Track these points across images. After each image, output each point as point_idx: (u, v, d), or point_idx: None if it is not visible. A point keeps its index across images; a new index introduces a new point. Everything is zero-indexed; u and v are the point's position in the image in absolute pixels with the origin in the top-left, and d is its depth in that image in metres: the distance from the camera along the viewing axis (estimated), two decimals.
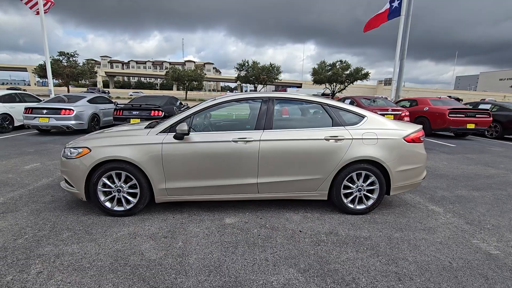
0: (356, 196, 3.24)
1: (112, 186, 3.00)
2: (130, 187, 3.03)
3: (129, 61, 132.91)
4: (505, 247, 2.62)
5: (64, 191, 3.70)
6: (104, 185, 3.00)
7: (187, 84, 47.62)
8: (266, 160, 3.05)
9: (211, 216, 3.12)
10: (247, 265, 2.23)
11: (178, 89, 71.66)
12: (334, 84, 46.82)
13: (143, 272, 2.12)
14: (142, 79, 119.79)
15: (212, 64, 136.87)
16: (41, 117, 7.98)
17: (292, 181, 3.12)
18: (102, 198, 3.01)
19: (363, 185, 3.21)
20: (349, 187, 3.21)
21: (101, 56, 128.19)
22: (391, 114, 9.08)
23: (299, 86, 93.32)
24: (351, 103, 10.28)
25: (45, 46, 12.35)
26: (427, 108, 10.53)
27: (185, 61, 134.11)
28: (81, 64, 42.06)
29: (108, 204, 3.03)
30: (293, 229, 2.86)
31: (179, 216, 3.09)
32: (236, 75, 49.91)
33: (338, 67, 45.01)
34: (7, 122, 8.66)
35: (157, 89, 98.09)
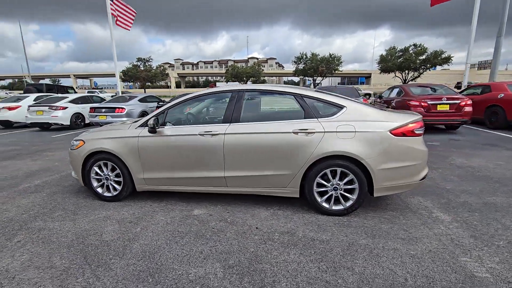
0: (332, 195, 2.94)
1: (102, 174, 3.41)
2: (116, 176, 3.39)
3: (198, 62, 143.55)
4: (502, 271, 2.05)
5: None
6: (96, 173, 3.42)
7: (245, 80, 49.07)
8: (232, 154, 3.02)
9: (183, 207, 3.26)
10: (179, 255, 2.29)
11: None
12: (407, 71, 41.75)
13: (89, 250, 2.38)
14: (209, 78, 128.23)
15: (275, 59, 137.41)
16: (100, 115, 9.39)
17: (260, 176, 3.02)
18: (95, 184, 3.45)
19: (339, 184, 2.90)
20: (323, 185, 2.93)
21: (174, 59, 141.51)
22: (446, 104, 7.76)
23: (367, 76, 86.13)
24: (399, 93, 9.16)
25: (114, 56, 14.36)
26: (502, 95, 8.62)
27: (248, 58, 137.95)
28: (154, 68, 47.25)
29: (99, 190, 3.45)
30: (251, 225, 2.78)
31: (156, 205, 3.32)
32: (294, 69, 49.16)
33: (411, 52, 39.92)
34: (79, 120, 10.45)
35: None
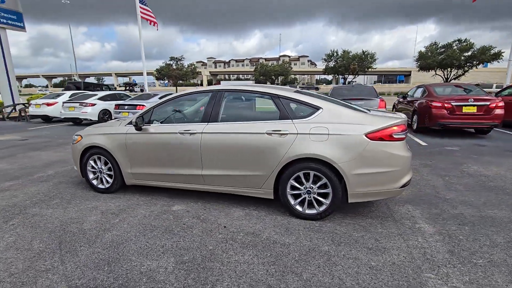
0: (305, 199, 2.88)
1: (96, 167, 3.67)
2: (108, 170, 3.63)
3: (229, 60, 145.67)
4: None
5: None
6: (92, 166, 3.69)
7: (274, 78, 48.92)
8: (208, 153, 3.09)
9: (166, 202, 3.40)
10: (141, 248, 2.41)
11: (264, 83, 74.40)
12: (449, 69, 38.55)
13: (66, 237, 2.60)
14: (240, 76, 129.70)
15: (307, 57, 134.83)
16: (123, 111, 9.99)
17: (235, 176, 3.06)
18: (90, 176, 3.72)
19: (312, 187, 2.83)
20: (297, 188, 2.89)
21: (207, 58, 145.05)
22: (473, 106, 7.11)
23: (407, 74, 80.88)
24: (422, 93, 8.57)
25: (142, 56, 15.17)
26: None
27: (280, 56, 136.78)
28: (186, 67, 48.93)
29: (94, 182, 3.72)
30: (220, 224, 2.83)
31: (143, 199, 3.50)
32: (324, 67, 47.90)
33: (455, 47, 36.78)
34: (106, 116, 11.22)
35: None
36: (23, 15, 15.04)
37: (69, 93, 12.41)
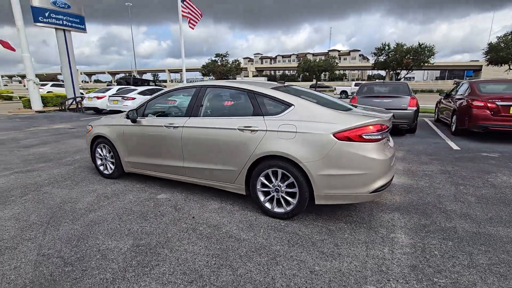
0: (274, 196, 2.86)
1: (102, 155, 4.09)
2: (111, 157, 4.02)
3: (276, 56, 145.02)
4: None
5: None
6: (99, 154, 4.13)
7: (318, 74, 47.43)
8: (188, 146, 3.23)
9: (155, 190, 3.65)
10: (112, 229, 2.66)
11: (309, 80, 72.14)
12: None
13: (58, 214, 2.98)
14: (286, 71, 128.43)
15: (359, 51, 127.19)
16: None
17: (210, 169, 3.15)
18: (98, 162, 4.17)
19: (280, 186, 2.79)
20: (267, 186, 2.87)
21: (254, 54, 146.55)
22: None
23: (477, 69, 71.13)
24: (466, 90, 7.60)
25: (182, 53, 16.05)
26: None
27: (329, 50, 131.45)
28: (230, 63, 50.18)
29: (101, 168, 4.16)
30: (190, 214, 2.96)
31: (137, 186, 3.81)
32: (373, 61, 44.85)
33: None
34: None
35: (297, 81, 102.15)
36: (84, 18, 17.03)
37: (116, 87, 13.76)
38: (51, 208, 3.12)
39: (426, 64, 41.64)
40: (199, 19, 16.82)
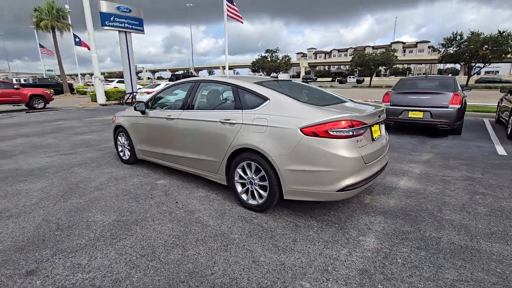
0: (248, 189, 2.94)
1: (121, 143, 4.64)
2: (128, 145, 4.53)
3: (331, 51, 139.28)
4: None
5: None
6: (120, 141, 4.69)
7: (373, 68, 44.23)
8: (181, 136, 3.50)
9: (158, 176, 4.03)
10: (105, 205, 3.07)
11: (365, 75, 67.46)
12: None
13: (73, 189, 3.53)
14: (342, 66, 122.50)
15: (428, 42, 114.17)
16: None
17: (198, 159, 3.37)
18: (119, 149, 4.74)
19: (254, 178, 2.86)
20: (243, 178, 2.97)
21: (307, 49, 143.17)
22: None
23: None
24: None
25: (226, 50, 16.68)
26: None
27: (392, 42, 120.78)
28: (280, 59, 50.02)
29: (121, 154, 4.72)
30: (175, 199, 3.22)
31: (145, 171, 4.24)
32: (441, 54, 39.89)
33: None
34: None
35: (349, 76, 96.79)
36: (143, 21, 18.87)
37: (164, 83, 15.01)
38: (70, 184, 3.70)
39: (508, 56, 35.63)
40: (237, 19, 17.26)
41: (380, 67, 45.43)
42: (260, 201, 2.84)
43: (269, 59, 48.94)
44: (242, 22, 17.24)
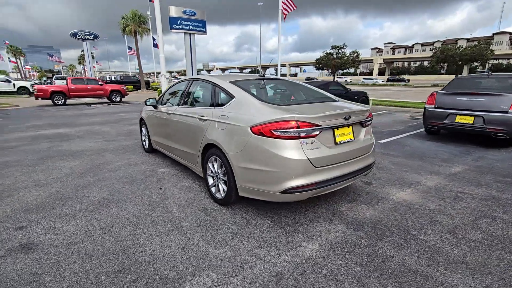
0: (215, 182, 3.10)
1: (143, 133, 5.29)
2: (147, 135, 5.15)
3: (413, 45, 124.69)
4: None
5: None
6: (142, 132, 5.35)
7: (460, 64, 38.04)
8: (174, 130, 3.85)
9: (163, 164, 4.49)
10: (105, 185, 3.63)
11: (452, 73, 58.04)
12: None
13: (94, 169, 4.24)
14: (426, 63, 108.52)
15: None
16: None
17: (185, 152, 3.67)
18: (142, 139, 5.41)
19: (218, 173, 3.01)
20: (212, 172, 3.14)
21: (384, 44, 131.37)
22: None
23: None
24: None
25: (279, 49, 16.74)
26: None
27: (494, 34, 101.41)
28: (347, 55, 47.33)
29: (143, 143, 5.38)
30: (161, 186, 3.59)
31: (157, 160, 4.77)
32: None
33: None
34: None
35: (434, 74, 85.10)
36: (206, 22, 20.32)
37: None
38: (93, 165, 4.45)
39: None
40: (291, 9, 16.90)
41: (471, 63, 38.75)
42: (223, 195, 2.97)
43: (334, 56, 46.78)
44: (295, 7, 16.85)
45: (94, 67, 44.05)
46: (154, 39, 31.62)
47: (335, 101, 3.22)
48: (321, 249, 2.29)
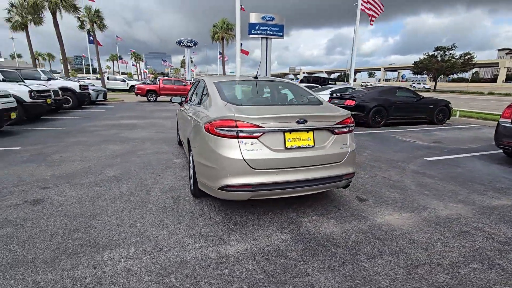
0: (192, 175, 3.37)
1: (176, 128, 5.99)
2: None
3: None
4: None
5: None
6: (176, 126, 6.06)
7: None
8: (181, 125, 4.29)
9: (179, 156, 5.02)
10: (125, 167, 4.34)
11: None
12: None
13: (127, 154, 5.11)
14: None
15: None
16: None
17: (185, 146, 4.06)
18: (177, 132, 6.13)
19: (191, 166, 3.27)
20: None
21: None
22: None
23: None
24: None
25: (353, 53, 15.71)
26: None
27: None
28: (457, 57, 40.30)
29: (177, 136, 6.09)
30: (161, 173, 4.07)
31: (179, 152, 5.35)
32: None
33: None
34: None
35: None
36: (283, 26, 20.74)
37: None
38: (130, 150, 5.34)
39: None
40: (379, 13, 15.55)
41: None
42: (192, 187, 3.20)
43: (438, 58, 40.41)
44: (375, 17, 15.45)
45: (192, 70, 50.37)
46: (241, 44, 34.18)
47: (317, 105, 3.02)
48: (244, 251, 2.26)
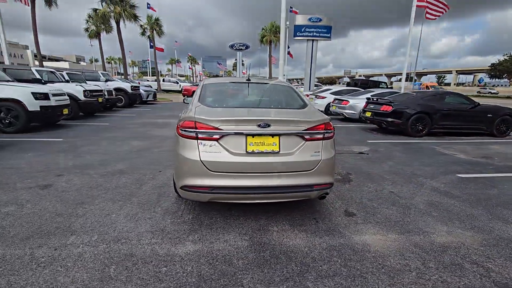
0: None
1: None
2: None
3: None
4: None
5: None
6: None
7: None
8: None
9: None
10: (131, 161, 4.71)
11: None
12: None
13: (148, 147, 5.53)
14: None
15: None
16: (333, 105, 11.33)
17: None
18: None
19: None
20: None
21: None
22: None
23: None
24: None
25: (407, 53, 14.35)
26: None
27: None
28: None
29: None
30: (162, 170, 4.30)
31: None
32: None
33: None
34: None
35: None
36: (331, 28, 20.02)
37: (335, 88, 15.44)
38: (149, 147, 5.75)
39: None
40: (442, 12, 13.93)
41: None
42: None
43: None
44: (436, 16, 13.81)
45: (244, 72, 51.87)
46: (288, 47, 34.03)
47: (297, 109, 2.87)
48: (193, 253, 2.27)
